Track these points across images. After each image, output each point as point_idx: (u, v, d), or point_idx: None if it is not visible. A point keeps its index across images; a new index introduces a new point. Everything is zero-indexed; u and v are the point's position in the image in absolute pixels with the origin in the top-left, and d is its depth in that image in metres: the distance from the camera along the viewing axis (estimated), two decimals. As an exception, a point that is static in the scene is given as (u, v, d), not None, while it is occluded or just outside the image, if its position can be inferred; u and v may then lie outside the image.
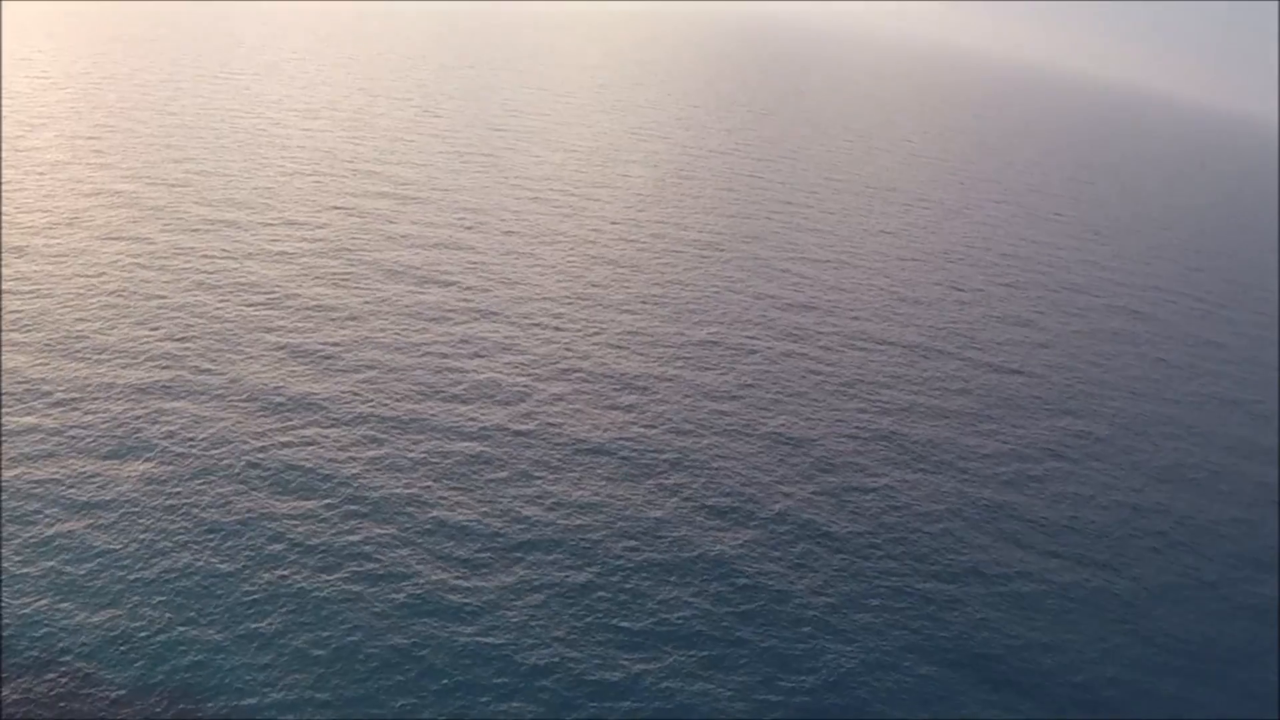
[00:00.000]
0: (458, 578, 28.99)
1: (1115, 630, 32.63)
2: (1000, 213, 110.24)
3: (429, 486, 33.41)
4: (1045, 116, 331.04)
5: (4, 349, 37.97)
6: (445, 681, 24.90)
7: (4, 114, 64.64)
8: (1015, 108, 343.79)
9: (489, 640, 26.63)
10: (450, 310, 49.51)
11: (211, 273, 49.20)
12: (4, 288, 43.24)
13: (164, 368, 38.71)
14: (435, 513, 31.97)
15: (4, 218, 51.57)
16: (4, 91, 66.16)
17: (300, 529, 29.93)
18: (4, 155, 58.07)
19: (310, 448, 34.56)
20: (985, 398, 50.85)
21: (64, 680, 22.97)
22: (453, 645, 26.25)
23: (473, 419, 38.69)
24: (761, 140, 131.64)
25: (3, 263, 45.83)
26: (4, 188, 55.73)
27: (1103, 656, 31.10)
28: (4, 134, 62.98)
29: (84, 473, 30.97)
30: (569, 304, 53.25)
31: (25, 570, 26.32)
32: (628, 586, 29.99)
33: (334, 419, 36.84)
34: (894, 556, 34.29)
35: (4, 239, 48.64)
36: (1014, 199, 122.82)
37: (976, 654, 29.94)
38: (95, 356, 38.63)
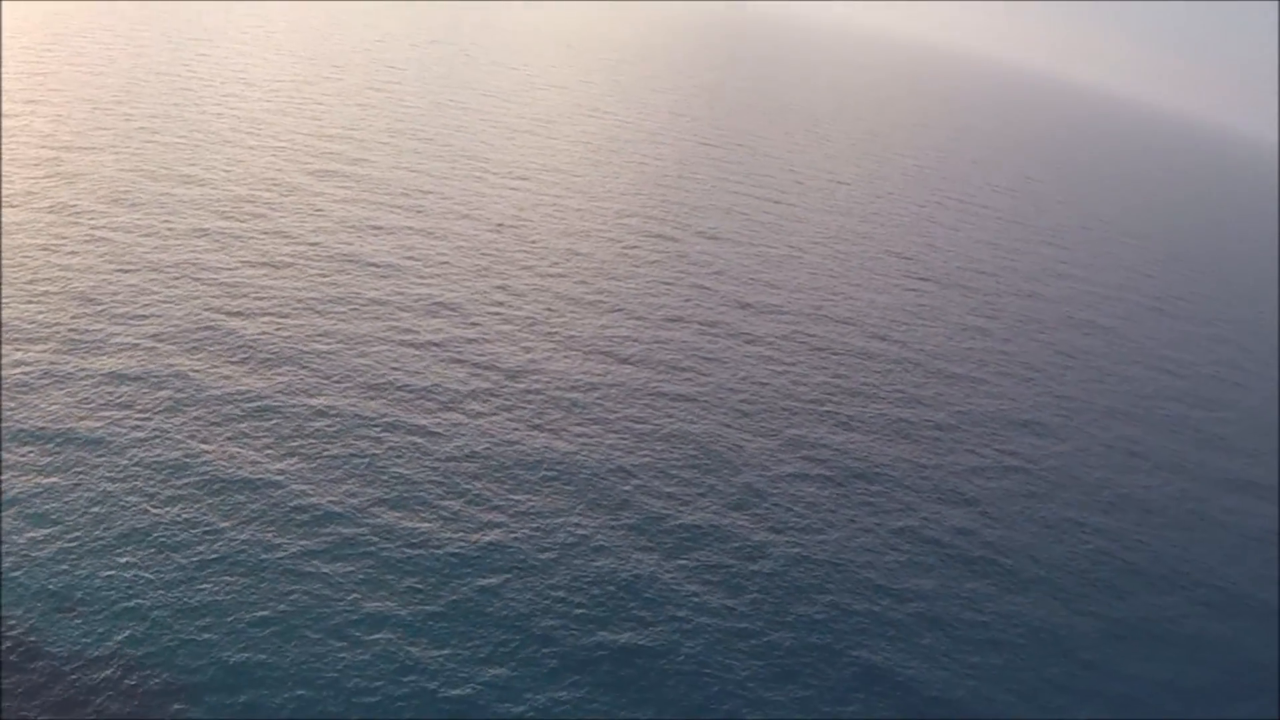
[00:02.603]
0: (407, 588, 28.71)
1: (1077, 669, 33.05)
2: (966, 214, 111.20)
3: (379, 488, 33.05)
4: (1029, 120, 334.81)
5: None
6: (386, 696, 24.66)
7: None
8: (999, 110, 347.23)
9: (435, 653, 26.41)
10: (402, 299, 48.98)
11: (160, 251, 48.28)
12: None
13: (110, 352, 37.92)
14: (384, 517, 31.64)
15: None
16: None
17: (244, 533, 29.48)
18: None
19: (252, 447, 34.04)
20: (944, 409, 51.26)
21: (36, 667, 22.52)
22: (400, 658, 26.01)
23: (423, 418, 38.32)
24: (735, 132, 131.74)
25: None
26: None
27: (1065, 697, 31.49)
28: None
29: (39, 464, 30.28)
30: (522, 296, 52.89)
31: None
32: (576, 603, 29.86)
33: (278, 414, 36.31)
34: (842, 582, 34.45)
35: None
36: (982, 200, 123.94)
37: (932, 696, 30.18)
38: (34, 339, 37.74)
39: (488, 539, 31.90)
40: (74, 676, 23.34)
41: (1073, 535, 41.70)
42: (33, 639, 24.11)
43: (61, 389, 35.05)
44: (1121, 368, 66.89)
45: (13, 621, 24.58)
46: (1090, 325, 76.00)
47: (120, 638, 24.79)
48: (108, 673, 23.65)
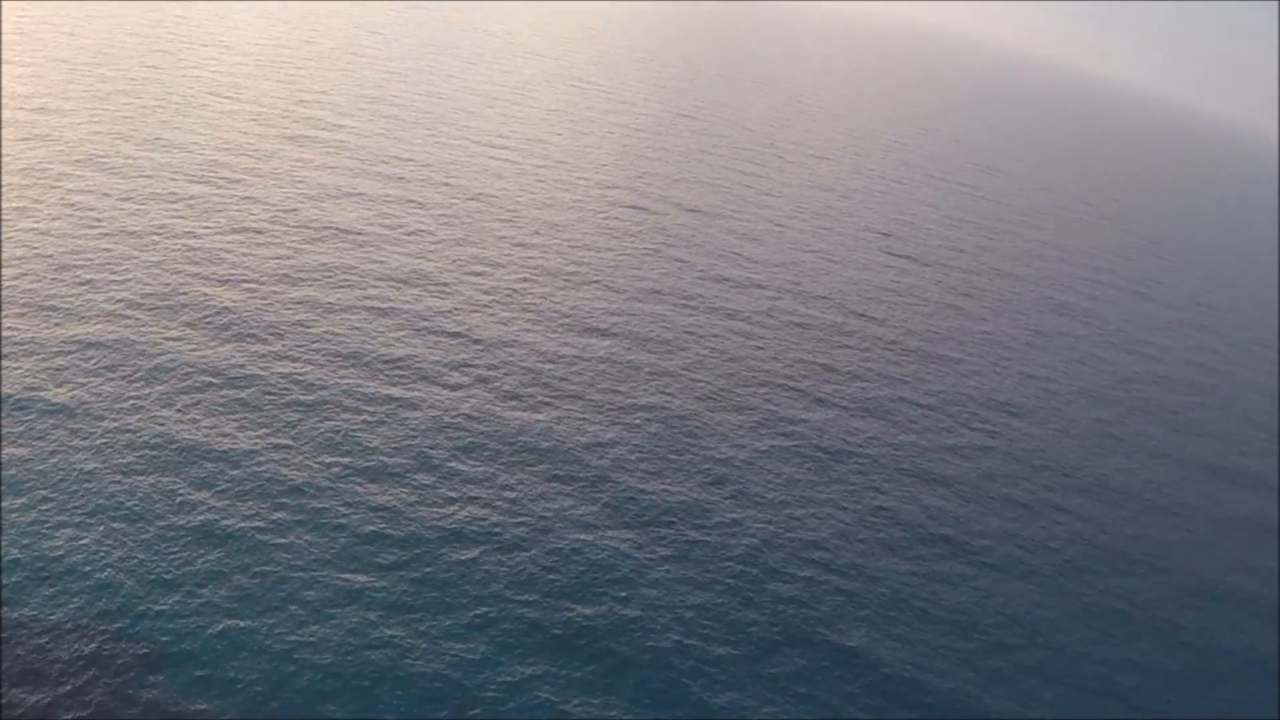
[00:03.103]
0: (382, 561, 28.84)
1: (1049, 652, 33.51)
2: (949, 192, 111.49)
3: (354, 460, 33.10)
4: (1025, 105, 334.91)
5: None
6: (361, 668, 24.82)
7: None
8: (997, 94, 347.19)
9: (410, 627, 26.58)
10: (379, 268, 48.86)
11: (136, 217, 47.96)
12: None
13: (84, 319, 37.71)
14: (359, 489, 31.70)
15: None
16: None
17: (219, 504, 29.51)
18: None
19: (227, 417, 34.01)
20: (921, 388, 51.60)
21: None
22: (375, 632, 26.16)
23: (398, 389, 38.35)
24: (717, 105, 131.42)
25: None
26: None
27: (1036, 679, 31.95)
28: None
29: (11, 433, 30.21)
30: (500, 267, 52.83)
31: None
32: (551, 578, 30.06)
33: (253, 384, 36.25)
34: (817, 560, 34.77)
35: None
36: (962, 178, 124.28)
37: (904, 677, 30.57)
38: (7, 304, 37.57)
39: (463, 513, 32.03)
40: (50, 647, 23.39)
41: (1048, 518, 42.17)
42: (8, 610, 24.12)
43: (34, 356, 34.87)
44: (1100, 350, 67.43)
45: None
46: (1070, 307, 76.52)
47: (96, 608, 24.84)
48: (84, 643, 23.71)
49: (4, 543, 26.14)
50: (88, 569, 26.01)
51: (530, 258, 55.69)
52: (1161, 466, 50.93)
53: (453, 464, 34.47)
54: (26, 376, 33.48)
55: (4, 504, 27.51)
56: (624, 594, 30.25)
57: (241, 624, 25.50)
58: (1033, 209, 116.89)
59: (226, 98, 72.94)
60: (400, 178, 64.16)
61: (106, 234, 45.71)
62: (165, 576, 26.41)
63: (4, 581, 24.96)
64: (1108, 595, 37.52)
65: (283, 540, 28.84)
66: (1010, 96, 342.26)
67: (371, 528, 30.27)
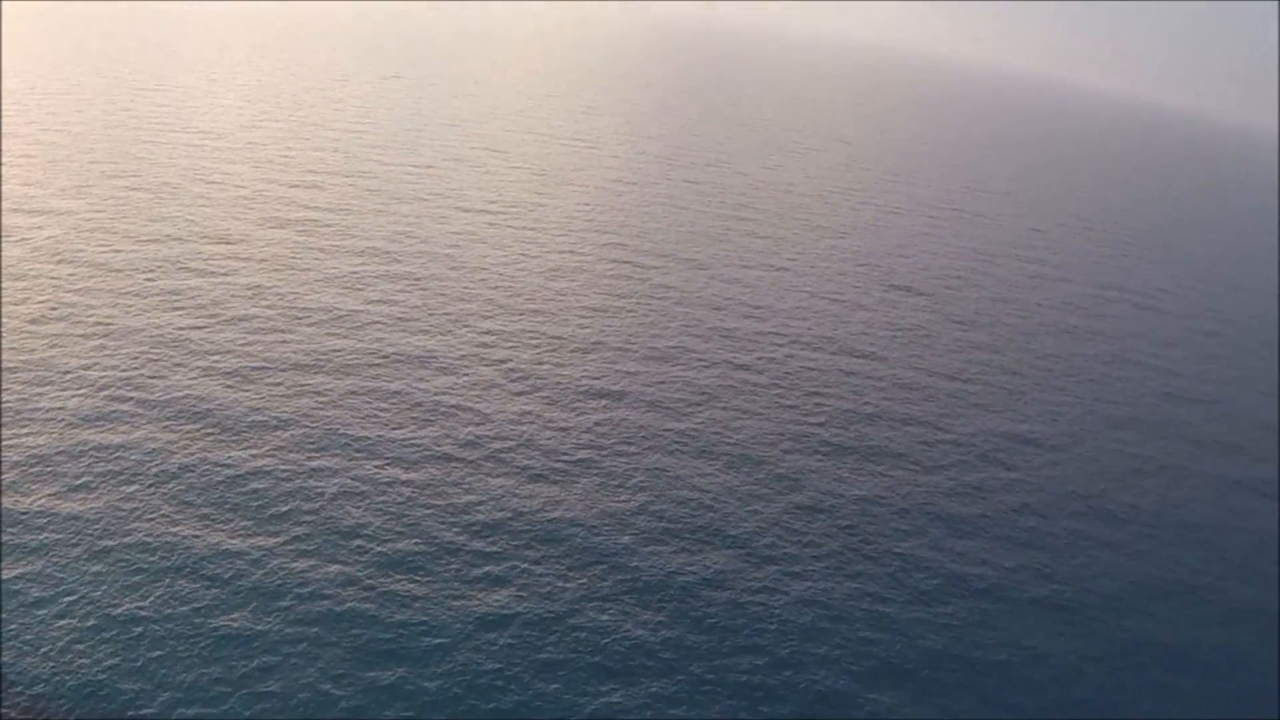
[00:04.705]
0: (414, 657, 28.64)
1: (1095, 689, 33.22)
2: (947, 220, 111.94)
3: (374, 553, 32.97)
4: (1008, 122, 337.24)
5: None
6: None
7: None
8: (981, 113, 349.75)
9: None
10: (382, 348, 48.95)
11: (135, 315, 48.14)
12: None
13: (91, 424, 37.74)
14: (383, 584, 31.54)
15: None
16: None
17: (244, 609, 29.37)
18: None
19: (241, 516, 33.93)
20: (937, 427, 51.48)
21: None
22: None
23: (413, 474, 38.27)
24: (700, 145, 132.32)
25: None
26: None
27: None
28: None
29: (23, 544, 30.10)
30: (506, 339, 52.95)
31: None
32: (584, 661, 29.84)
33: (265, 479, 36.20)
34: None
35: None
36: (961, 204, 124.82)
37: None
38: (16, 381, 37.60)
39: (489, 597, 31.85)
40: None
41: (1079, 549, 41.91)
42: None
43: (40, 464, 34.84)
44: (1113, 370, 67.35)
45: (19, 698, 24.40)
46: (1081, 329, 76.55)
47: (124, 727, 24.66)
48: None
49: (21, 657, 25.97)
50: (110, 681, 25.83)
51: (535, 326, 55.81)
52: (1189, 485, 50.68)
53: (475, 546, 34.33)
54: (33, 485, 33.43)
55: (19, 618, 27.35)
56: (661, 671, 30.01)
57: (276, 732, 25.29)
58: (1027, 229, 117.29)
59: (214, 184, 73.48)
60: (396, 253, 64.46)
61: (107, 334, 45.87)
62: (190, 685, 26.21)
63: (22, 694, 24.76)
64: (1147, 626, 37.21)
65: (308, 639, 28.66)
66: (980, 111, 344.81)
67: (398, 619, 30.09)
